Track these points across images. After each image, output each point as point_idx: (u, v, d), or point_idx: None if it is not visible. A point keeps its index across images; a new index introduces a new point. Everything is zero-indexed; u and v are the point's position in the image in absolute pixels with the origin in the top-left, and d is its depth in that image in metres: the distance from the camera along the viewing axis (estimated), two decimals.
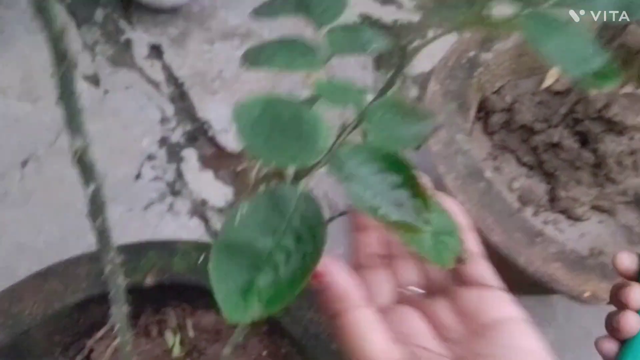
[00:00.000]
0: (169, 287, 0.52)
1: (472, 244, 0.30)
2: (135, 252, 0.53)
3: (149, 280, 0.52)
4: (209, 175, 0.94)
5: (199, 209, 0.91)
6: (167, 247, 0.53)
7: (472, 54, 0.79)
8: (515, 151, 0.80)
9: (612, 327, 0.38)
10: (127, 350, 0.40)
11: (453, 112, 0.73)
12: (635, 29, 0.88)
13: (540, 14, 0.25)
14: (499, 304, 0.28)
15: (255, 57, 0.29)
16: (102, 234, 0.32)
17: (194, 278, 0.52)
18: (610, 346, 0.38)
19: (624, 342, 0.38)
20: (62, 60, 0.23)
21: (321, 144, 0.25)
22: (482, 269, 0.29)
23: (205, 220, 0.90)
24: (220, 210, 0.91)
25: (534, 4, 0.25)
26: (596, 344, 0.39)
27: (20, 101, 0.93)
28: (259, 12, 0.30)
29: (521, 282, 0.69)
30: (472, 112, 0.81)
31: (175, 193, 0.91)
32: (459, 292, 0.29)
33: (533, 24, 0.25)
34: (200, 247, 0.54)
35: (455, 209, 0.30)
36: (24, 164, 0.88)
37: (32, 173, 0.88)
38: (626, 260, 0.38)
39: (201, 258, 0.53)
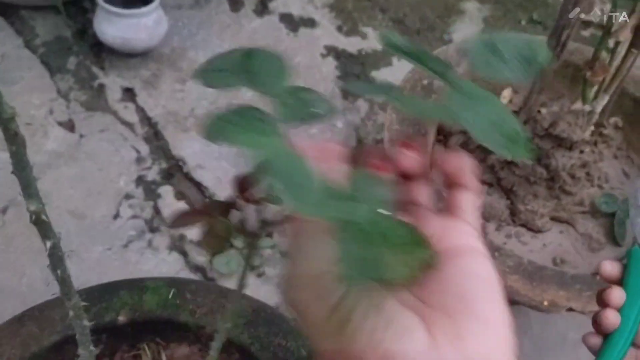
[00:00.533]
0: (142, 323, 0.55)
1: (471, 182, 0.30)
2: (107, 292, 0.55)
3: (122, 319, 0.54)
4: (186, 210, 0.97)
5: (178, 244, 0.94)
6: (137, 285, 0.56)
7: (426, 82, 0.83)
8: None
9: (596, 323, 0.44)
10: None
11: (410, 138, 0.77)
12: (582, 48, 0.93)
13: (462, 90, 0.28)
14: (462, 234, 0.29)
15: (215, 135, 0.29)
16: (64, 283, 0.35)
17: (165, 313, 0.55)
18: (595, 340, 0.44)
19: (606, 337, 0.44)
20: (13, 140, 0.27)
21: None
22: (465, 201, 0.30)
23: (184, 254, 0.93)
24: (199, 244, 0.94)
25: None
26: (583, 339, 0.45)
27: None
28: (206, 82, 0.32)
29: None
30: (431, 136, 0.85)
31: (153, 230, 0.94)
32: (430, 218, 0.30)
33: (456, 100, 0.28)
34: (169, 283, 0.56)
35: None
36: (4, 210, 0.91)
37: (13, 219, 0.90)
38: (609, 267, 0.45)
39: (171, 293, 0.56)
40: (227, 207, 0.36)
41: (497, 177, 0.81)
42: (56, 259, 0.33)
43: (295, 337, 0.55)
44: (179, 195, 0.99)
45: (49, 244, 0.32)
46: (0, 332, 0.52)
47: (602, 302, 0.44)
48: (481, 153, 0.83)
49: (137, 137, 1.03)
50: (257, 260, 0.94)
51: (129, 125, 1.04)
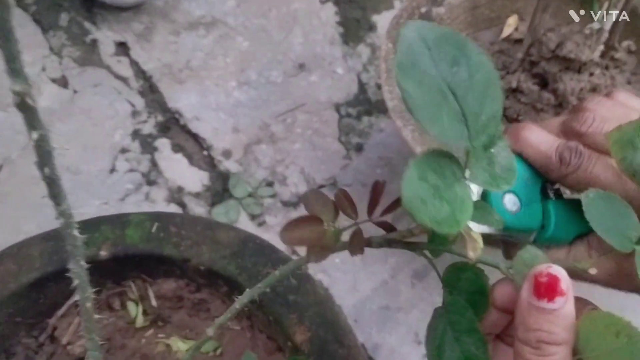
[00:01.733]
0: (126, 258, 0.53)
1: None
2: (88, 227, 0.53)
3: (104, 254, 0.52)
4: (183, 162, 0.95)
5: (176, 196, 0.92)
6: (119, 220, 0.54)
7: (424, 9, 0.78)
8: None
9: None
10: (88, 306, 0.39)
11: None
12: None
13: None
14: None
15: (411, 204, 0.25)
16: (53, 183, 0.31)
17: (148, 247, 0.53)
18: None
19: None
20: None
21: None
22: None
23: (182, 206, 0.91)
24: (197, 195, 0.92)
25: None
26: None
27: None
28: (407, 97, 0.25)
29: None
30: None
31: (150, 182, 0.92)
32: None
33: None
34: (153, 217, 0.54)
35: None
36: None
37: (8, 176, 0.89)
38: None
39: (154, 227, 0.53)
40: (336, 212, 0.33)
41: (502, 106, 0.76)
42: (44, 154, 0.29)
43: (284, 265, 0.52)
44: (176, 148, 0.96)
45: (35, 135, 0.28)
46: None
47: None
48: None
49: (132, 91, 1.00)
50: (258, 209, 0.92)
51: (123, 79, 1.01)
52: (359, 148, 1.00)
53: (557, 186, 0.36)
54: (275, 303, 0.51)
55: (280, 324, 0.51)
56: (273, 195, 0.94)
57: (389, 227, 0.33)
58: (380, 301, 0.86)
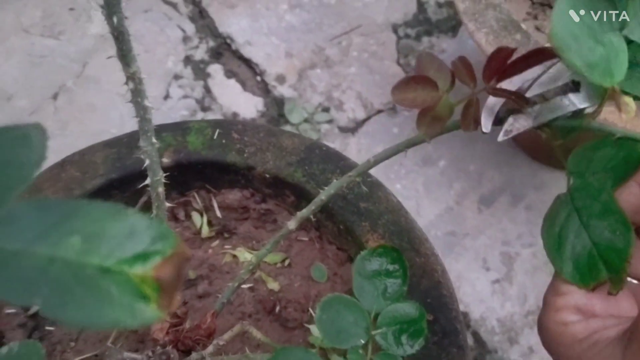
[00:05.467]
0: (189, 166, 0.51)
1: None
2: None
3: (166, 161, 0.50)
4: (237, 88, 0.92)
5: None
6: (180, 127, 0.51)
7: None
8: None
9: None
10: (160, 191, 0.38)
11: None
12: None
13: None
14: None
15: (561, 43, 0.22)
16: (121, 38, 0.28)
17: (211, 154, 0.50)
18: None
19: None
20: None
21: None
22: None
23: None
24: (253, 121, 0.89)
25: None
26: None
27: (44, 37, 0.93)
28: None
29: None
30: None
31: (205, 109, 0.90)
32: None
33: None
34: (214, 124, 0.51)
35: None
36: (55, 96, 0.89)
37: (65, 104, 0.89)
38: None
39: (216, 134, 0.51)
40: (453, 79, 0.28)
41: None
42: (111, 4, 0.25)
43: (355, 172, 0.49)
44: (229, 74, 0.93)
45: None
46: (41, 178, 0.49)
47: None
48: None
49: (182, 16, 0.97)
50: (315, 134, 0.88)
51: (172, 4, 0.98)
52: None
53: None
54: (345, 211, 0.48)
55: (352, 233, 0.48)
56: (330, 121, 0.90)
57: (513, 96, 0.28)
58: (446, 227, 0.82)
